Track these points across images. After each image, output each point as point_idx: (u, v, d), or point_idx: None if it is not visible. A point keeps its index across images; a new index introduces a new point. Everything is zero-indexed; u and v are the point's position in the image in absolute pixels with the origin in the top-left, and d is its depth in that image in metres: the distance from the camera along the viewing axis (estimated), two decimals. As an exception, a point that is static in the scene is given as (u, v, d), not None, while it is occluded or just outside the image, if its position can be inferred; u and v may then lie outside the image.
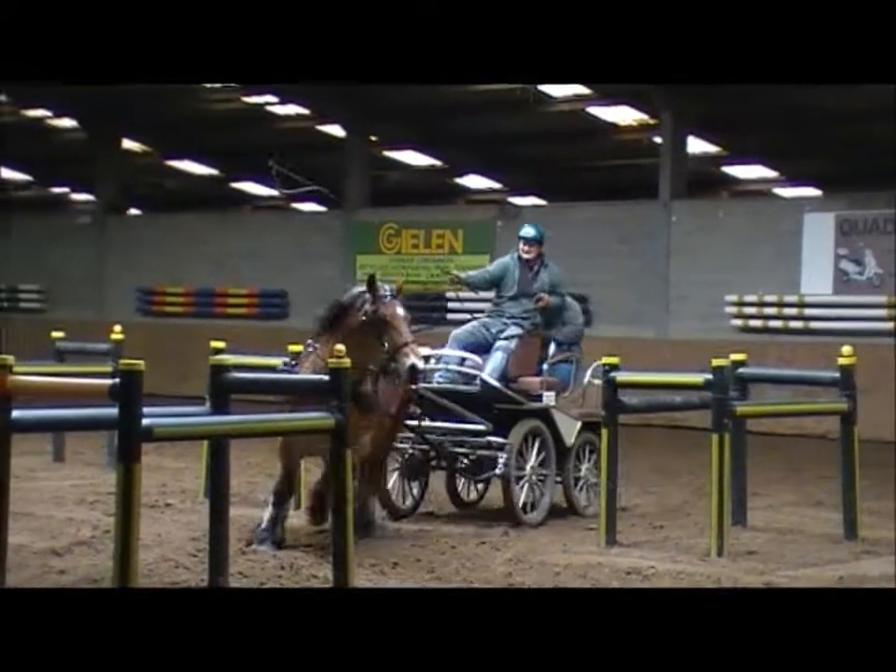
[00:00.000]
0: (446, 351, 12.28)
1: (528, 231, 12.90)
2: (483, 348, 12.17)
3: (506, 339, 12.07)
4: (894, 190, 23.45)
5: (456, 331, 12.53)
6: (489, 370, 11.87)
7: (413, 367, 9.97)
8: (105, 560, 7.88)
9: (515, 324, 12.21)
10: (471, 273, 13.52)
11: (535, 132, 29.61)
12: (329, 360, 8.71)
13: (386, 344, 9.97)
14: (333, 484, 8.54)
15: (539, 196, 32.66)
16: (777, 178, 32.25)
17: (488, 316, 12.59)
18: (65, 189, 40.87)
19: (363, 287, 10.30)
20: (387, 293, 10.22)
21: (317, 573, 8.92)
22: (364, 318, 10.03)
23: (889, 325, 21.99)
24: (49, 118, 32.46)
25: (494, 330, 12.25)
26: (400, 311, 10.15)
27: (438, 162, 33.45)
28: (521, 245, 12.73)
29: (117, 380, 7.27)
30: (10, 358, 7.50)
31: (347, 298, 10.43)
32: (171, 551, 9.58)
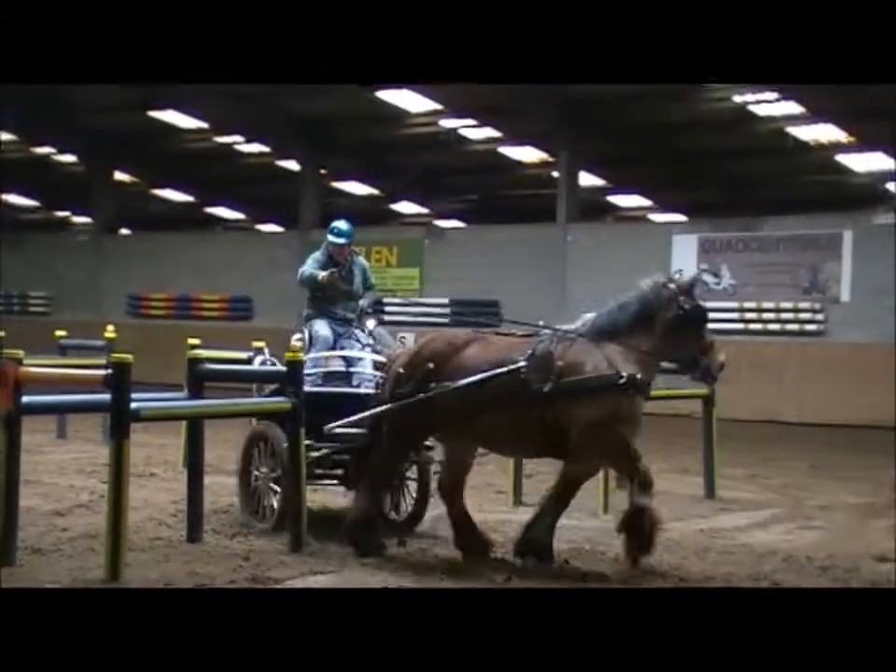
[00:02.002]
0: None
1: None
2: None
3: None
4: (745, 217, 23.83)
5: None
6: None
7: (722, 364, 8.02)
8: (101, 520, 7.83)
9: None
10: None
11: (456, 167, 29.78)
12: (287, 353, 8.69)
13: (699, 340, 7.98)
14: (289, 457, 8.51)
15: (460, 219, 32.73)
16: (652, 206, 32.52)
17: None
18: (67, 213, 40.53)
19: (659, 279, 8.10)
20: (683, 284, 8.12)
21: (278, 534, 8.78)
22: (681, 312, 7.90)
23: (740, 325, 22.35)
24: (53, 153, 32.20)
25: None
26: (705, 308, 8.11)
27: (376, 191, 33.45)
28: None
29: (110, 371, 7.25)
30: (21, 353, 7.44)
31: (651, 292, 8.04)
32: (155, 512, 9.56)
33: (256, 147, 30.12)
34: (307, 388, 8.75)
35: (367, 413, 8.63)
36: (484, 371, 7.89)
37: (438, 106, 25.81)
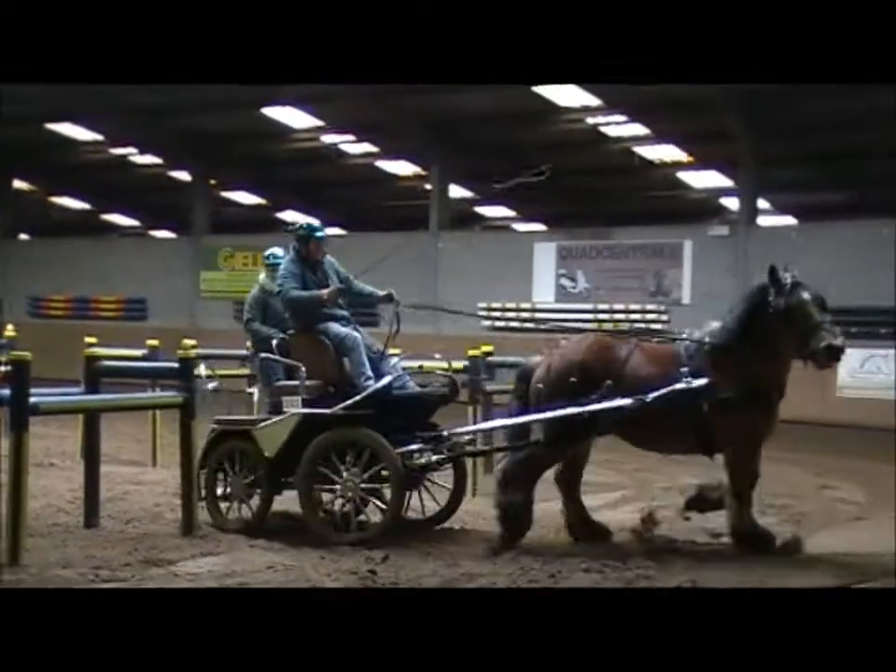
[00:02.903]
0: None
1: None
2: None
3: None
4: (598, 228, 24.22)
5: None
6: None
7: (829, 346, 7.35)
8: (1, 508, 7.63)
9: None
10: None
11: (337, 179, 29.68)
12: (178, 351, 8.60)
13: (799, 331, 7.45)
14: (181, 447, 8.39)
15: (343, 228, 32.57)
16: (515, 217, 32.78)
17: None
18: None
19: (762, 282, 7.69)
20: (787, 281, 7.58)
21: (177, 516, 8.61)
22: (772, 311, 7.52)
23: (594, 325, 22.66)
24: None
25: None
26: (806, 295, 7.49)
27: (263, 201, 33.15)
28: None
29: (9, 368, 7.12)
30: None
31: (752, 298, 7.72)
32: (54, 499, 9.36)
33: (150, 159, 29.60)
34: (396, 393, 8.14)
35: (538, 417, 7.89)
36: (653, 379, 7.66)
37: (320, 123, 25.72)
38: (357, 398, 8.05)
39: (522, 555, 7.54)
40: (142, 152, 29.19)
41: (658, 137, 24.41)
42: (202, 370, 10.48)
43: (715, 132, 22.40)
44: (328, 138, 26.82)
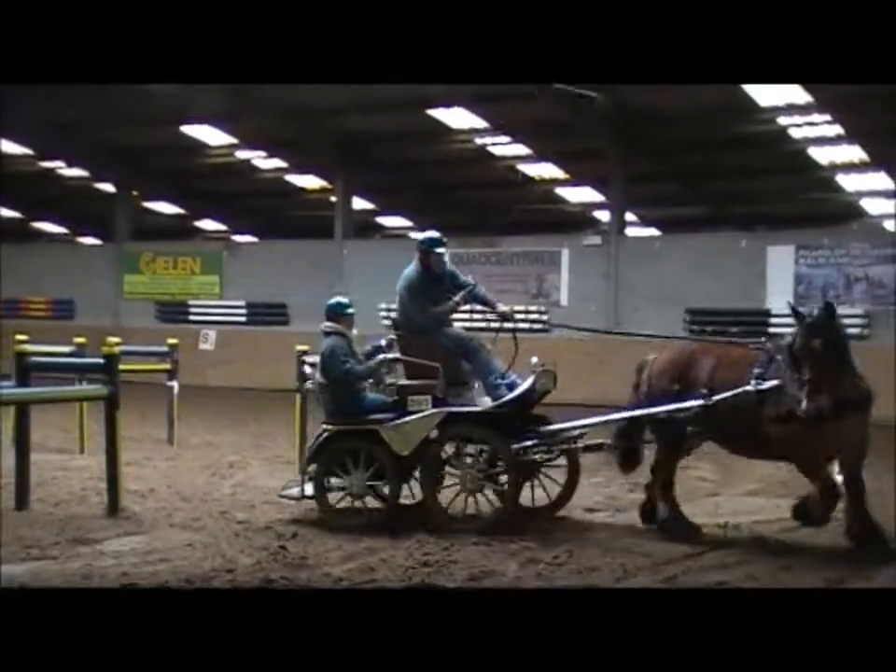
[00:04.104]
0: None
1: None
2: None
3: None
4: (485, 237, 24.42)
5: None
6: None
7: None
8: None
9: None
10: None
11: (250, 191, 29.40)
12: (103, 347, 8.48)
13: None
14: (106, 435, 8.25)
15: (254, 235, 32.25)
16: (412, 226, 32.79)
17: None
18: None
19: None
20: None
21: (102, 499, 8.46)
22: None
23: (483, 324, 22.77)
24: None
25: None
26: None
27: (181, 210, 32.65)
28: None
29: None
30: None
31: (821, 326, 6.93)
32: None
33: (76, 172, 28.98)
34: (511, 395, 7.73)
35: (645, 412, 7.62)
36: (732, 384, 7.23)
37: (234, 140, 25.47)
38: (511, 396, 7.83)
39: (419, 532, 7.57)
40: (69, 165, 28.64)
41: (538, 156, 24.70)
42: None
43: (588, 152, 22.79)
44: (241, 154, 26.59)
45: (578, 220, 28.68)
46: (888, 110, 18.37)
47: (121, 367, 8.68)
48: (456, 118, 22.32)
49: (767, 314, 20.24)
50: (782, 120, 20.69)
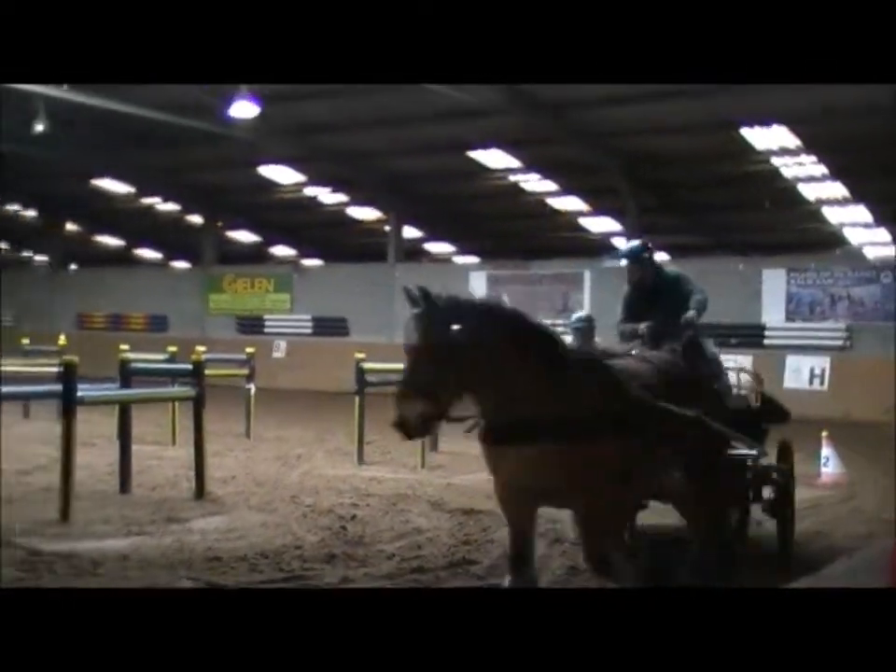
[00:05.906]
0: None
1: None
2: None
3: None
4: (518, 260, 24.39)
5: None
6: None
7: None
8: (55, 477, 7.52)
9: None
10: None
11: (316, 221, 29.63)
12: (191, 355, 8.60)
13: None
14: (194, 430, 8.32)
15: (319, 259, 32.44)
16: (455, 252, 32.87)
17: None
18: None
19: None
20: None
21: (191, 484, 8.54)
22: None
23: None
24: None
25: None
26: None
27: (259, 238, 33.01)
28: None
29: (61, 369, 7.08)
30: None
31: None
32: (96, 471, 9.10)
33: (170, 207, 29.57)
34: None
35: None
36: None
37: (303, 178, 25.74)
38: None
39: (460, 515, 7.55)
40: (164, 201, 29.22)
41: (564, 191, 24.71)
42: None
43: (607, 188, 22.80)
44: (309, 190, 26.86)
45: (598, 246, 28.56)
46: (867, 152, 18.37)
47: (207, 372, 8.81)
48: (493, 158, 22.44)
49: (762, 328, 20.13)
50: (775, 161, 20.73)
